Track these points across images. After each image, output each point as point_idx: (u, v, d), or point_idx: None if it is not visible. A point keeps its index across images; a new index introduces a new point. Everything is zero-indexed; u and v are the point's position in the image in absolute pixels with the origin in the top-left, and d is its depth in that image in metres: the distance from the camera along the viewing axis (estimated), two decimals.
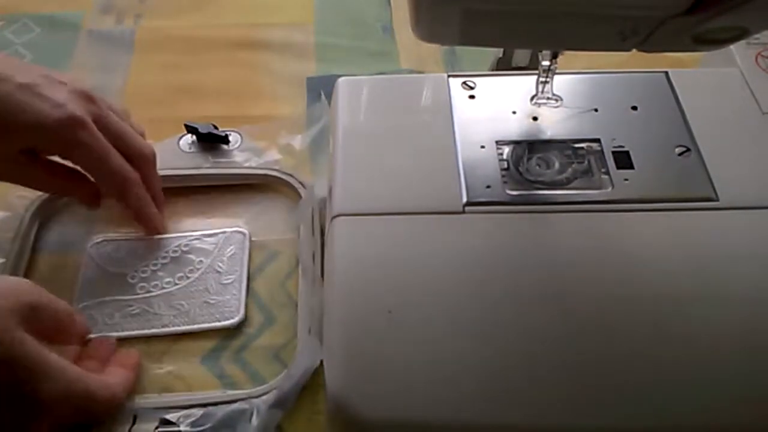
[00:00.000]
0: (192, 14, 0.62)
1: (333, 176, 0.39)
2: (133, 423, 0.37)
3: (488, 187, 0.38)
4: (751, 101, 0.41)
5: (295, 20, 0.62)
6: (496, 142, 0.40)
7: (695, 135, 0.39)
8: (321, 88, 0.54)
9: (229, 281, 0.42)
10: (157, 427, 0.37)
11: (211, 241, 0.44)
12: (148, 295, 0.42)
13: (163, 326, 0.40)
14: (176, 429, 0.37)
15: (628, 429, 0.31)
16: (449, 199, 0.37)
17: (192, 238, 0.44)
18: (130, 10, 0.62)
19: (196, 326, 0.41)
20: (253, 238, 0.46)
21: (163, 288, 0.42)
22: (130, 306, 0.41)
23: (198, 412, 0.38)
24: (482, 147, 0.40)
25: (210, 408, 0.38)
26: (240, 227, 0.45)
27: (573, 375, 0.31)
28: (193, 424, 0.37)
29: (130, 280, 0.42)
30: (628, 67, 0.44)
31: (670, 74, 0.43)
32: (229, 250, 0.43)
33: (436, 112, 0.41)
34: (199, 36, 0.60)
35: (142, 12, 0.62)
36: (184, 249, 0.44)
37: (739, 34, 0.27)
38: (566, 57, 0.37)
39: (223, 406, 0.38)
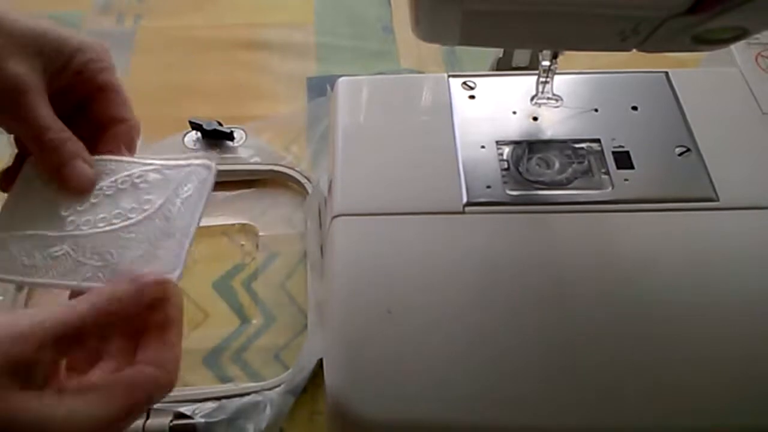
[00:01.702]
0: (192, 14, 0.62)
1: (333, 176, 0.39)
2: (147, 417, 0.37)
3: (488, 187, 0.38)
4: (751, 101, 0.41)
5: (295, 20, 0.62)
6: (496, 142, 0.40)
7: (695, 135, 0.39)
8: (321, 88, 0.55)
9: (174, 232, 0.34)
10: (171, 420, 0.37)
11: (171, 175, 0.35)
12: (76, 233, 0.34)
13: (83, 279, 0.33)
14: (191, 421, 0.37)
15: (629, 429, 0.31)
16: (449, 199, 0.37)
17: (151, 168, 0.35)
18: (130, 10, 0.62)
19: None
20: (260, 234, 0.46)
21: (95, 227, 0.34)
22: (54, 246, 0.34)
23: (212, 404, 0.38)
24: (482, 147, 0.40)
25: (224, 401, 0.38)
26: (206, 160, 0.36)
27: (573, 375, 0.31)
28: (207, 416, 0.37)
29: (63, 212, 0.34)
30: (628, 67, 0.44)
31: (670, 74, 0.43)
32: (186, 189, 0.35)
33: (436, 112, 0.41)
34: (199, 36, 0.60)
35: (142, 12, 0.62)
36: (137, 180, 0.35)
37: (739, 34, 0.27)
38: (566, 57, 0.37)
39: (236, 398, 0.38)
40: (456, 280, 0.34)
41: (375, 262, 0.35)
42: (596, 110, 0.41)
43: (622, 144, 0.39)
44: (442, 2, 0.28)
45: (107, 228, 0.34)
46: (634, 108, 0.41)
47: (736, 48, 0.43)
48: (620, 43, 0.29)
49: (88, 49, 0.35)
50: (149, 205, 0.34)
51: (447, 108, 0.41)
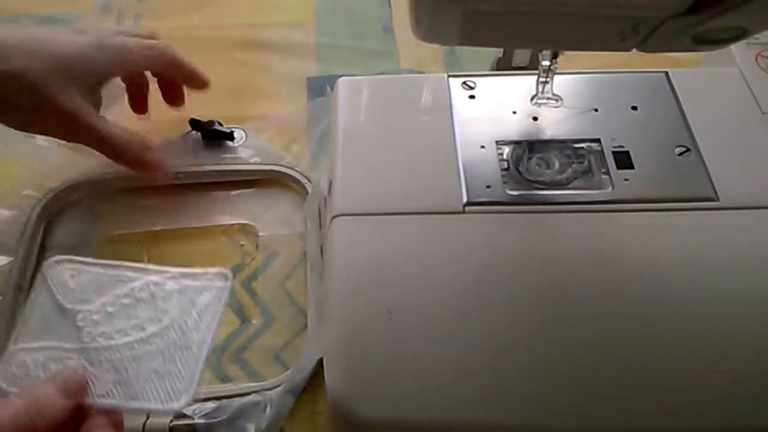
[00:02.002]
0: (192, 14, 0.62)
1: (333, 176, 0.39)
2: (147, 417, 0.37)
3: (488, 187, 0.38)
4: (751, 101, 0.41)
5: (295, 20, 0.62)
6: (496, 142, 0.40)
7: (695, 135, 0.39)
8: (321, 88, 0.55)
9: (189, 345, 0.34)
10: (171, 420, 0.37)
11: (188, 284, 0.36)
12: (92, 345, 0.34)
13: (98, 395, 0.32)
14: (191, 422, 0.37)
15: (629, 429, 0.31)
16: (449, 199, 0.37)
17: (168, 276, 0.36)
18: (130, 10, 0.62)
19: (133, 404, 0.32)
20: (260, 234, 0.46)
21: (112, 339, 0.34)
22: (70, 359, 0.34)
23: (212, 404, 0.37)
24: (482, 147, 0.40)
25: (224, 401, 0.38)
26: (223, 269, 0.36)
27: (573, 375, 0.31)
28: (207, 416, 0.37)
29: (79, 323, 0.34)
30: (628, 67, 0.44)
31: (670, 74, 0.43)
32: (202, 299, 0.35)
33: (436, 112, 0.41)
34: (199, 36, 0.60)
35: (142, 12, 0.62)
36: (154, 290, 0.36)
37: (739, 34, 0.27)
38: (566, 57, 0.37)
39: (236, 398, 0.38)
40: (456, 279, 0.34)
41: (375, 262, 0.35)
42: (596, 110, 0.41)
43: (622, 144, 0.39)
44: (442, 2, 0.28)
45: (123, 340, 0.34)
46: (634, 108, 0.41)
47: (736, 48, 0.43)
48: (620, 43, 0.29)
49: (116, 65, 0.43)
50: (166, 317, 0.34)
51: (447, 108, 0.41)
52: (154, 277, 0.36)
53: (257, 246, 0.46)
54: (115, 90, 0.47)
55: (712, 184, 0.37)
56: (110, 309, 0.35)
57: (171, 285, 0.35)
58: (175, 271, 0.36)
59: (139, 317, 0.35)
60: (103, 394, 0.33)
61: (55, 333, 0.34)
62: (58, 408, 0.29)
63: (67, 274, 0.36)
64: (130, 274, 0.36)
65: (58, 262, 0.36)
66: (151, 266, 0.36)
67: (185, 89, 0.49)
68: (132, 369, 0.33)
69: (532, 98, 0.41)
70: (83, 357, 0.34)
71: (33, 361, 0.34)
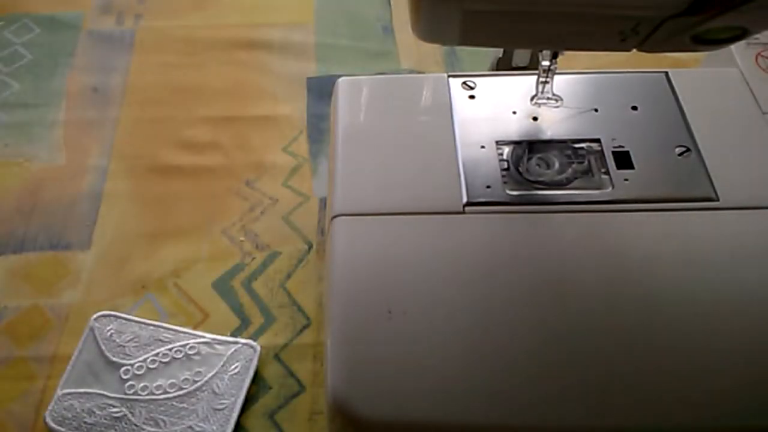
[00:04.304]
0: (192, 14, 0.62)
1: (333, 176, 0.39)
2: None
3: (488, 187, 0.38)
4: (751, 101, 0.41)
5: (295, 20, 0.62)
6: (496, 142, 0.40)
7: (695, 135, 0.39)
8: (321, 88, 0.55)
9: (222, 407, 0.38)
10: None
11: (221, 350, 0.40)
12: (134, 398, 0.38)
13: None
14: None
15: (630, 429, 0.31)
16: (449, 199, 0.37)
17: (202, 341, 0.40)
18: (130, 11, 0.62)
19: None
20: (260, 234, 0.46)
21: (152, 394, 0.38)
22: (114, 407, 0.37)
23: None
24: (482, 147, 0.40)
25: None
26: (252, 342, 0.41)
27: (573, 375, 0.31)
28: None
29: (123, 376, 0.38)
30: (628, 67, 0.44)
31: (670, 74, 0.43)
32: (234, 367, 0.39)
33: (436, 112, 0.41)
34: (199, 36, 0.60)
35: (142, 12, 0.62)
36: (190, 352, 0.39)
37: (739, 34, 0.27)
38: (566, 57, 0.37)
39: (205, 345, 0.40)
40: (456, 279, 0.34)
41: (375, 262, 0.35)
42: (596, 110, 0.41)
43: (622, 144, 0.39)
44: (442, 2, 0.28)
45: (162, 396, 0.38)
46: (634, 108, 0.41)
47: (736, 48, 0.43)
48: (620, 43, 0.29)
49: None
50: (200, 378, 0.38)
51: (447, 108, 0.41)
52: (190, 341, 0.40)
53: (257, 246, 0.46)
54: None
55: (712, 184, 0.37)
56: (151, 365, 0.39)
57: (205, 349, 0.40)
58: (209, 337, 0.40)
59: (176, 376, 0.38)
60: None
61: (100, 382, 0.38)
62: None
63: (113, 328, 0.40)
64: (168, 336, 0.40)
65: (104, 316, 0.41)
66: (187, 330, 0.41)
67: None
68: (170, 423, 0.37)
69: (532, 98, 0.41)
70: (125, 407, 0.37)
71: (80, 406, 0.38)
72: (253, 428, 0.38)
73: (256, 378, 0.39)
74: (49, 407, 0.37)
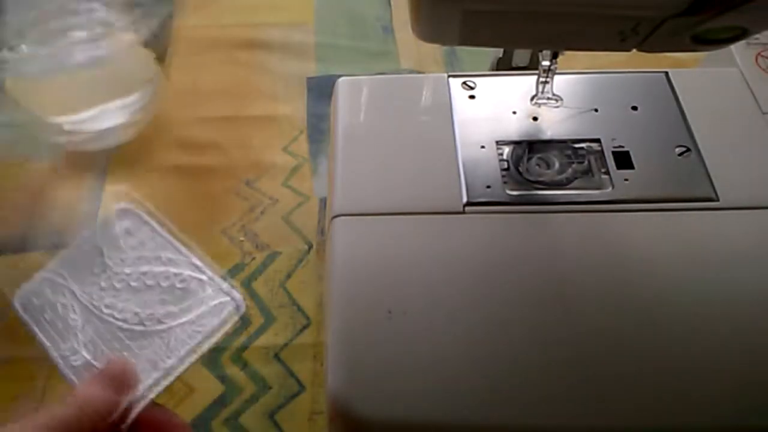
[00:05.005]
0: (192, 14, 0.62)
1: (333, 176, 0.39)
2: None
3: (488, 187, 0.38)
4: (751, 101, 0.41)
5: (295, 20, 0.62)
6: (496, 142, 0.40)
7: (695, 135, 0.39)
8: (321, 88, 0.55)
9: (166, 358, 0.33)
10: None
11: (207, 295, 0.35)
12: (97, 313, 0.34)
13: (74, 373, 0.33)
14: None
15: (630, 429, 0.31)
16: (449, 199, 0.37)
17: (198, 276, 0.35)
18: None
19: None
20: (260, 233, 0.46)
21: (117, 315, 0.34)
22: (73, 315, 0.34)
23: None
24: (482, 147, 0.40)
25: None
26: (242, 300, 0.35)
27: (573, 375, 0.31)
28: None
29: (102, 284, 0.35)
30: (628, 67, 0.44)
31: (670, 74, 0.43)
32: (205, 322, 0.34)
33: (436, 112, 0.41)
34: (199, 36, 0.60)
35: None
36: (179, 285, 0.35)
37: (739, 34, 0.27)
38: (566, 57, 0.37)
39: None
40: (456, 279, 0.34)
41: (375, 262, 0.35)
42: (596, 110, 0.41)
43: (622, 144, 0.39)
44: (442, 2, 0.28)
45: (128, 322, 0.33)
46: (634, 108, 0.41)
47: (736, 48, 0.43)
48: (620, 43, 0.29)
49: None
50: (168, 320, 0.34)
51: (447, 108, 0.41)
52: (185, 272, 0.35)
53: (257, 246, 0.46)
54: None
55: (712, 184, 0.37)
56: (133, 284, 0.35)
57: (194, 286, 0.35)
58: (208, 275, 0.35)
59: (145, 307, 0.34)
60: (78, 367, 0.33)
61: (75, 276, 0.35)
62: (113, 406, 0.29)
63: (127, 225, 0.36)
64: (169, 255, 0.36)
65: (124, 210, 0.37)
66: (190, 255, 0.36)
67: None
68: (107, 353, 0.33)
69: (532, 98, 0.41)
70: (83, 318, 0.34)
71: (53, 298, 0.34)
72: (253, 428, 0.38)
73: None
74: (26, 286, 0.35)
